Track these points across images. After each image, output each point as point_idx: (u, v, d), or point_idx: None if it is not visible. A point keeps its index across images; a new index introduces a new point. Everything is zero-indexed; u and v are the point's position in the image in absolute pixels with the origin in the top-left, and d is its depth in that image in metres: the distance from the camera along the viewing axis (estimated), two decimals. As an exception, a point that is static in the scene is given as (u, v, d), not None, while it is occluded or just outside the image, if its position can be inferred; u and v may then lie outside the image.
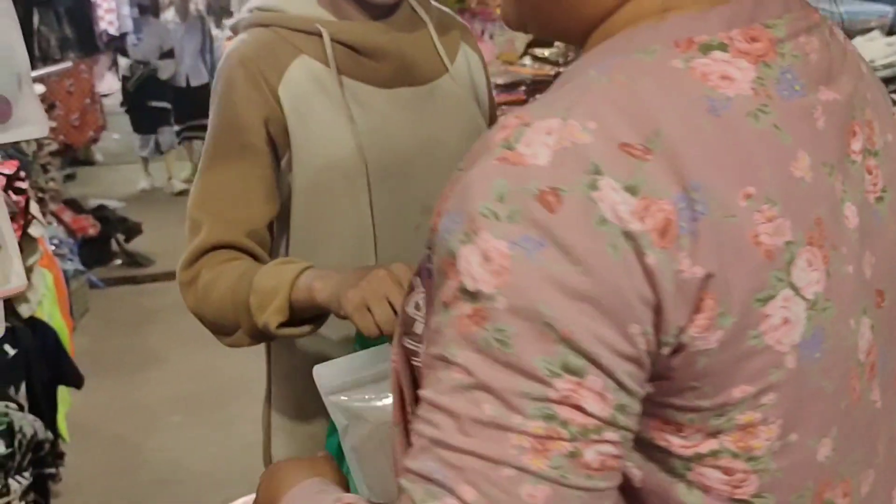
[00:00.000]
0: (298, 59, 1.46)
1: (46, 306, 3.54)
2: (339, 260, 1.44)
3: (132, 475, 3.64)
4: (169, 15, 9.44)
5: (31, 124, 1.08)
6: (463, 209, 0.69)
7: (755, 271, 0.69)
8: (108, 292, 5.81)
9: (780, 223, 0.71)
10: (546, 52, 4.77)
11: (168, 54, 8.55)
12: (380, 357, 1.19)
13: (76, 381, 3.37)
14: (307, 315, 1.33)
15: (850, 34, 3.32)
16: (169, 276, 6.11)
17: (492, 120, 1.66)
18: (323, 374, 1.18)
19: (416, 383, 0.83)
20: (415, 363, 0.83)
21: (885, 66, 3.23)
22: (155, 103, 8.57)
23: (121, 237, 6.50)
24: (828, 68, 0.81)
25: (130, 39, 7.16)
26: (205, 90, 9.03)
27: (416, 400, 0.74)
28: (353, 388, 1.17)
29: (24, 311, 3.14)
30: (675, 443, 0.73)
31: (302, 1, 1.51)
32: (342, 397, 1.17)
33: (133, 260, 6.42)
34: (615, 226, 0.66)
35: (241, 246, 1.46)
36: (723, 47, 0.74)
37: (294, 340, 1.43)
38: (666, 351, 0.69)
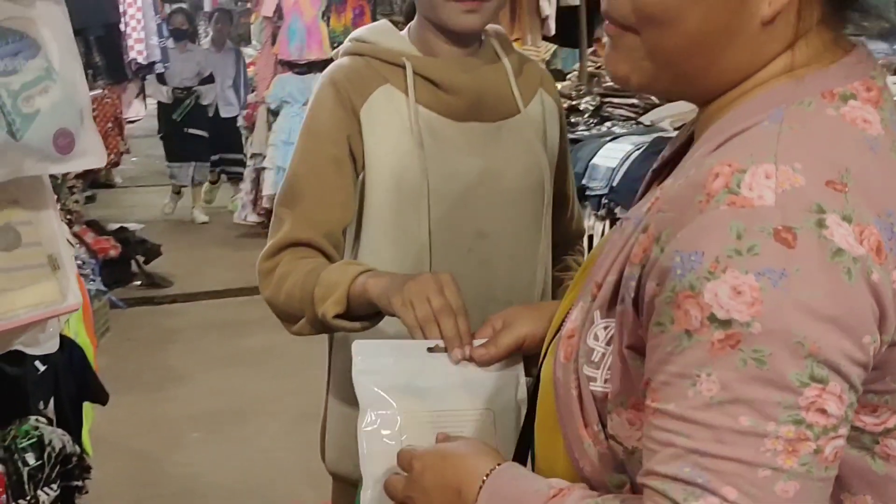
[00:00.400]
0: (383, 87, 1.62)
1: (73, 325, 3.67)
2: (398, 271, 1.57)
3: (154, 488, 3.75)
4: (204, 44, 9.50)
5: (90, 155, 1.21)
6: (702, 250, 0.80)
7: None
8: (128, 312, 5.93)
9: None
10: (559, 86, 4.87)
11: (207, 79, 8.56)
12: (419, 352, 1.27)
13: (101, 397, 3.48)
14: (363, 311, 1.46)
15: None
16: (188, 297, 6.34)
17: (559, 165, 1.78)
18: (360, 351, 1.26)
19: (584, 404, 0.94)
20: (593, 388, 0.93)
21: None
22: (193, 130, 8.53)
23: (140, 259, 6.63)
24: None
25: (158, 68, 7.27)
26: (233, 122, 9.01)
27: (600, 419, 0.91)
28: (386, 373, 1.23)
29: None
30: (869, 422, 0.85)
31: (394, 36, 1.68)
32: (373, 378, 1.22)
33: (152, 281, 6.55)
34: (847, 254, 0.78)
35: (317, 245, 1.60)
36: (853, 97, 0.88)
37: (350, 336, 1.54)
38: (885, 349, 0.81)
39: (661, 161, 1.10)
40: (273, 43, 7.52)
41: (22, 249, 1.20)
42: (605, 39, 1.06)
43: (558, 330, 1.05)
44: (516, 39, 5.19)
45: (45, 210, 1.23)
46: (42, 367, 3.03)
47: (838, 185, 0.81)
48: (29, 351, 1.33)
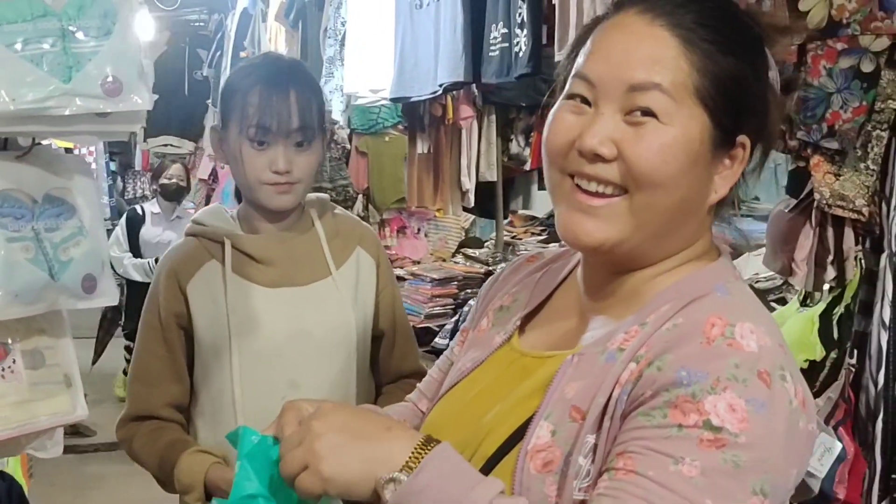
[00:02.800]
0: (208, 263, 1.94)
1: (11, 463, 3.82)
2: (212, 416, 1.92)
3: None
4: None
5: (107, 295, 1.51)
6: (707, 371, 1.00)
7: None
8: (50, 460, 5.99)
9: None
10: (476, 252, 5.18)
11: None
12: None
13: (34, 534, 3.63)
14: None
15: (743, 250, 3.85)
16: (110, 445, 6.39)
17: (381, 312, 2.01)
18: None
19: None
20: (576, 497, 1.06)
21: (766, 279, 3.60)
22: None
23: (65, 408, 6.70)
24: None
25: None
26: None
27: None
28: None
29: (-4, 465, 3.45)
30: None
31: (222, 217, 1.99)
32: None
33: (76, 430, 6.63)
34: (792, 405, 1.01)
35: (161, 416, 1.95)
36: (741, 281, 1.19)
37: None
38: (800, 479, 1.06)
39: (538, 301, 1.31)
40: (206, 203, 7.87)
41: (45, 369, 1.48)
42: (564, 213, 1.16)
43: (506, 444, 1.15)
44: (438, 209, 5.52)
45: (64, 338, 1.52)
46: (-13, 500, 3.20)
47: (785, 349, 1.05)
48: (39, 454, 1.59)
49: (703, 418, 0.98)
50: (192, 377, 1.98)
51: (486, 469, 1.15)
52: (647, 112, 1.10)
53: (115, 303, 1.54)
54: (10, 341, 1.43)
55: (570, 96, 1.16)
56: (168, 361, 1.95)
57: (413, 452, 1.03)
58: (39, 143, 1.47)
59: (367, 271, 2.03)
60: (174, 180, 6.98)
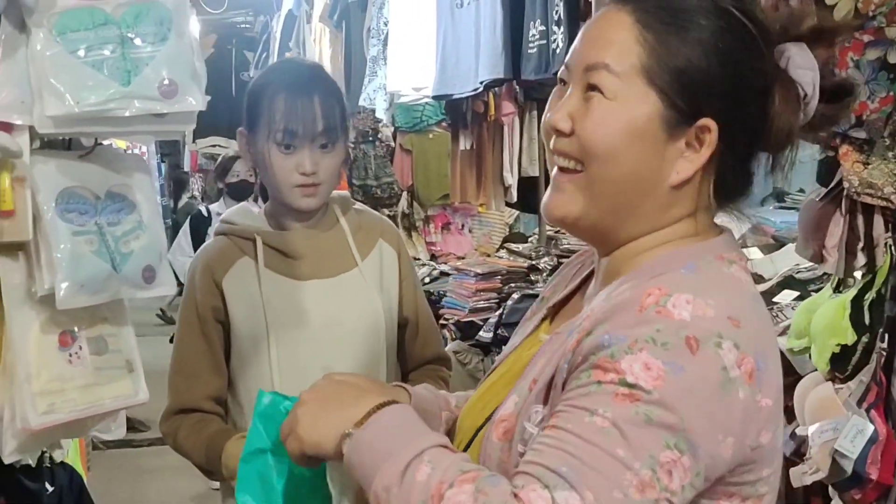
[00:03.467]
0: (241, 260, 2.02)
1: (71, 455, 3.96)
2: (251, 405, 1.96)
3: None
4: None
5: (166, 285, 1.60)
6: (628, 334, 1.03)
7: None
8: (108, 453, 6.16)
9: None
10: (520, 247, 5.23)
11: None
12: None
13: (95, 520, 3.76)
14: None
15: (784, 242, 3.87)
16: (164, 440, 6.53)
17: (404, 300, 2.11)
18: None
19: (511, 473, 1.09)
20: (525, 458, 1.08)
21: (808, 269, 3.59)
22: None
23: (120, 404, 6.86)
24: None
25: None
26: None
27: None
28: None
29: (58, 456, 3.57)
30: None
31: (250, 216, 2.08)
32: None
33: (131, 425, 6.79)
34: (728, 372, 1.02)
35: (203, 408, 2.03)
36: (734, 263, 1.17)
37: None
38: (748, 452, 1.06)
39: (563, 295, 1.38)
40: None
41: (108, 355, 1.58)
42: (547, 191, 1.25)
43: (488, 418, 1.24)
44: (482, 205, 5.60)
45: (125, 326, 1.61)
46: (50, 489, 3.33)
47: (735, 322, 1.05)
48: (103, 436, 1.68)
49: (620, 376, 1.01)
50: (228, 368, 2.07)
51: (469, 445, 1.28)
52: (595, 88, 1.17)
53: (173, 292, 1.63)
54: (76, 329, 1.53)
55: (559, 81, 1.25)
56: (207, 355, 2.03)
57: (368, 412, 1.15)
58: (100, 143, 1.57)
59: (389, 262, 2.13)
60: (241, 177, 6.93)
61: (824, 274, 2.82)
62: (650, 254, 1.20)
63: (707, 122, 1.15)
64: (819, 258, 2.27)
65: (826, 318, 2.29)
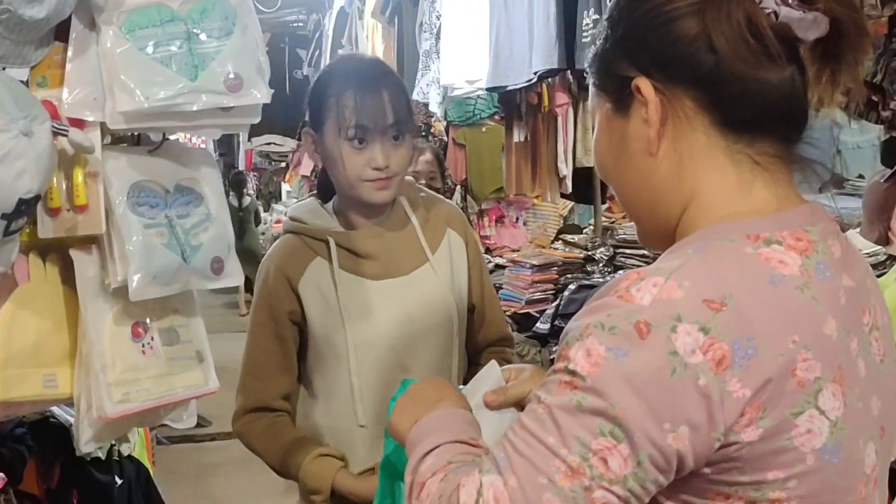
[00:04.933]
0: (314, 261, 2.02)
1: (138, 450, 4.04)
2: (327, 401, 2.03)
3: None
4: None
5: (234, 275, 1.63)
6: (584, 321, 0.98)
7: (790, 393, 0.96)
8: (171, 448, 6.27)
9: (812, 364, 0.97)
10: (575, 238, 5.20)
11: None
12: None
13: (162, 510, 3.85)
14: None
15: (845, 228, 3.82)
16: (226, 434, 6.63)
17: (472, 285, 2.13)
18: None
19: None
20: None
21: (869, 255, 3.57)
22: None
23: (182, 400, 6.97)
24: (846, 262, 1.08)
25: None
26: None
27: None
28: None
29: (125, 449, 3.65)
30: None
31: (321, 214, 2.08)
32: None
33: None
34: (681, 357, 0.93)
35: (275, 407, 2.05)
36: (779, 242, 1.03)
37: None
38: (716, 445, 0.95)
39: None
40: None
41: (180, 345, 1.61)
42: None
43: None
44: (537, 196, 5.58)
45: (195, 317, 1.65)
46: (119, 481, 3.40)
47: (714, 304, 0.95)
48: (176, 425, 1.72)
49: (566, 364, 0.99)
50: (301, 366, 2.09)
51: None
52: None
53: (241, 283, 1.66)
54: (148, 320, 1.57)
55: None
56: (279, 356, 2.05)
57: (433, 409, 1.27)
58: (168, 138, 1.60)
59: (458, 251, 2.14)
60: None
61: (888, 257, 2.79)
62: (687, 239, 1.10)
63: (639, 81, 1.08)
64: (885, 240, 2.24)
65: (890, 301, 2.26)
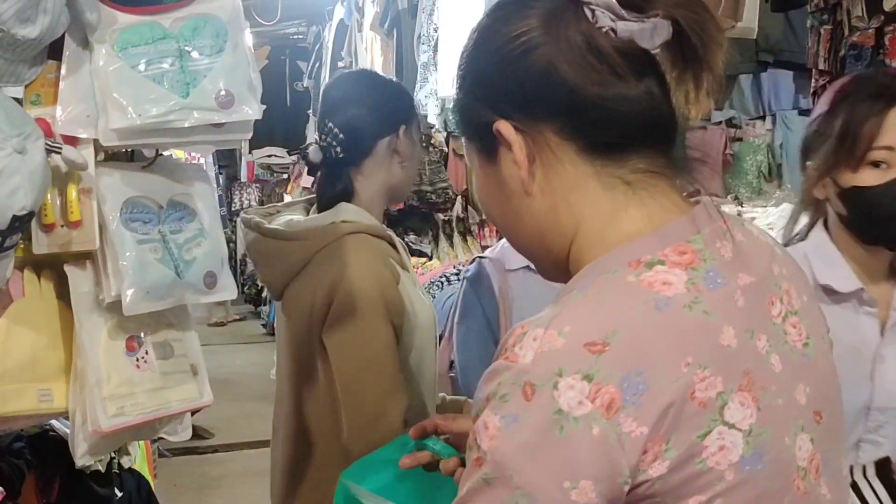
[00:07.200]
0: (392, 260, 2.05)
1: (139, 462, 4.05)
2: (421, 388, 2.05)
3: None
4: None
5: (227, 290, 1.65)
6: (483, 392, 0.96)
7: (692, 417, 0.92)
8: (173, 461, 6.27)
9: (712, 380, 0.93)
10: None
11: None
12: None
13: (162, 525, 3.86)
14: None
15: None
16: (228, 447, 6.66)
17: None
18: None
19: None
20: None
21: None
22: None
23: (184, 412, 6.99)
24: (741, 260, 1.04)
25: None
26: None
27: None
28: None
29: (125, 462, 3.66)
30: None
31: (362, 213, 2.08)
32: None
33: (195, 432, 6.89)
34: (567, 413, 0.90)
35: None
36: (661, 262, 0.99)
37: None
38: (625, 489, 0.92)
39: None
40: (311, 211, 8.07)
41: (174, 359, 1.62)
42: None
43: None
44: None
45: (189, 331, 1.66)
46: (119, 494, 3.41)
47: (597, 346, 0.92)
48: (171, 438, 1.73)
49: (474, 438, 0.96)
50: None
51: None
52: None
53: (234, 297, 1.68)
54: (142, 334, 1.58)
55: None
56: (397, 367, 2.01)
57: None
58: (161, 154, 1.62)
59: None
60: None
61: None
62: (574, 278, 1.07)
63: (499, 125, 1.07)
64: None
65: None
